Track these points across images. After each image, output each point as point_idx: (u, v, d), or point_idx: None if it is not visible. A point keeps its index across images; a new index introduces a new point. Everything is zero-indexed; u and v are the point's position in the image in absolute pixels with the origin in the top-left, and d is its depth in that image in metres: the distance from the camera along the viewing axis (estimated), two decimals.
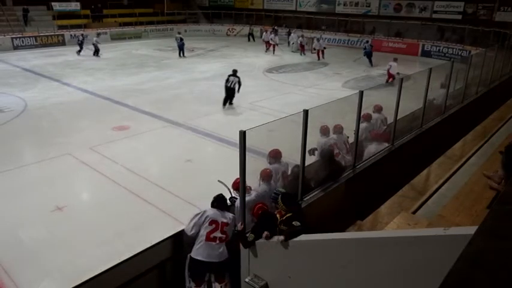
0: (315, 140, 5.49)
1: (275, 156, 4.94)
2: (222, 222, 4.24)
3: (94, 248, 5.36)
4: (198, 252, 4.21)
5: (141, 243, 4.29)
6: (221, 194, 4.44)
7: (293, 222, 3.61)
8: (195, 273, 4.27)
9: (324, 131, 5.76)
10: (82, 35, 22.32)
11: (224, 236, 4.25)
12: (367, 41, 22.22)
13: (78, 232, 5.76)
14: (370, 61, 19.59)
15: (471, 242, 0.74)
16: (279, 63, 20.00)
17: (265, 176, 4.67)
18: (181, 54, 21.18)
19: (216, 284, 4.32)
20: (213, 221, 4.22)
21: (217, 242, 4.22)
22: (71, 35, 24.86)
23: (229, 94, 12.14)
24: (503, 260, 0.68)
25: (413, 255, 2.55)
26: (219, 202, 4.35)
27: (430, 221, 3.65)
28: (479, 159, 5.16)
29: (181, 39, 21.20)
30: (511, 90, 10.33)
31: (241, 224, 3.94)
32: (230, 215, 4.38)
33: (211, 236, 4.20)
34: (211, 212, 4.28)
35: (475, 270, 0.68)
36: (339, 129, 5.76)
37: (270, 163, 4.93)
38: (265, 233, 3.71)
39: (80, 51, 21.02)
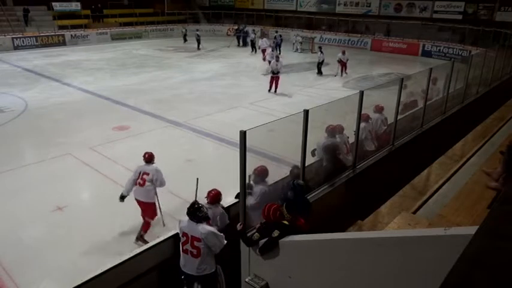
0: (315, 140, 5.47)
1: (261, 173, 4.65)
2: (192, 236, 3.98)
3: (94, 248, 5.36)
4: (180, 259, 4.15)
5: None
6: (195, 204, 4.12)
7: (274, 231, 3.55)
8: (183, 276, 4.22)
9: (331, 131, 5.68)
10: (198, 31, 24.93)
11: (195, 251, 3.99)
12: (280, 35, 23.90)
13: (78, 232, 5.77)
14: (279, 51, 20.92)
15: (471, 242, 0.74)
16: None
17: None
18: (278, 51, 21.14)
19: None
20: (184, 233, 4.06)
21: (189, 255, 4.04)
22: (71, 35, 24.91)
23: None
24: (504, 260, 0.68)
25: (414, 255, 2.55)
26: (189, 213, 4.04)
27: (430, 221, 3.65)
28: (479, 159, 5.16)
29: (281, 36, 23.62)
30: (511, 90, 10.32)
31: (241, 224, 3.94)
32: (205, 229, 3.98)
33: (184, 247, 4.07)
34: (184, 223, 4.08)
35: (476, 271, 0.68)
36: (339, 130, 5.74)
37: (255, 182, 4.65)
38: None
39: (199, 45, 24.09)
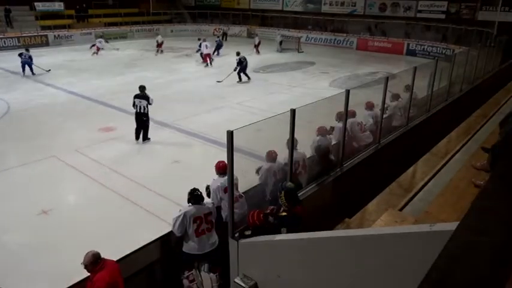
0: (302, 138, 5.47)
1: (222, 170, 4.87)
2: (204, 214, 4.41)
3: (81, 251, 5.24)
4: (191, 246, 4.38)
5: (129, 245, 4.25)
6: (196, 189, 4.53)
7: (281, 229, 3.65)
8: (189, 264, 4.47)
9: (322, 131, 5.71)
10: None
11: (209, 225, 4.45)
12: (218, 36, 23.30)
13: (64, 235, 5.67)
14: (218, 52, 21.30)
15: (452, 238, 0.76)
16: (266, 63, 20.03)
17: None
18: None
19: (211, 274, 4.46)
20: (196, 218, 4.35)
21: (206, 232, 4.42)
22: (54, 36, 24.49)
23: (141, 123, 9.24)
24: (482, 254, 0.69)
25: (401, 251, 2.58)
26: (195, 198, 4.45)
27: (416, 217, 3.70)
28: (463, 155, 5.25)
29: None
30: (493, 88, 10.54)
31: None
32: (209, 202, 4.60)
33: (200, 230, 4.37)
34: (191, 210, 4.36)
35: (456, 266, 0.69)
36: (322, 132, 5.74)
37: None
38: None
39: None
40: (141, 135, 9.26)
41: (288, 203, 3.85)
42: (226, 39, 27.64)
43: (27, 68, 15.97)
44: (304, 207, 4.03)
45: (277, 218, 3.79)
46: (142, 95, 9.16)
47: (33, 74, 16.11)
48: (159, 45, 22.53)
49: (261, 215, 3.75)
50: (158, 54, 22.14)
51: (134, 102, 9.10)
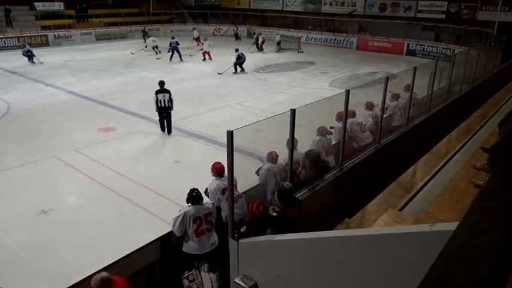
0: (301, 138, 5.47)
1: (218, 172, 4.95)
2: (204, 214, 4.42)
3: (81, 251, 5.28)
4: (191, 246, 4.39)
5: (129, 245, 4.25)
6: (195, 190, 4.55)
7: (267, 230, 3.61)
8: (189, 265, 4.48)
9: (322, 131, 5.72)
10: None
11: (209, 225, 4.47)
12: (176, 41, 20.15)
13: (64, 235, 5.68)
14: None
15: (452, 238, 0.76)
16: (266, 63, 20.04)
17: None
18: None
19: (211, 274, 4.47)
20: (196, 218, 4.36)
21: (206, 233, 4.44)
22: (54, 36, 24.49)
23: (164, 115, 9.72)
24: (483, 255, 0.69)
25: (401, 251, 2.58)
26: (194, 198, 4.46)
27: (416, 217, 3.70)
28: (463, 155, 5.26)
29: (177, 42, 19.93)
30: (493, 88, 10.54)
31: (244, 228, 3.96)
32: (209, 203, 4.61)
33: (199, 230, 4.38)
34: (191, 210, 4.37)
35: (456, 266, 0.70)
36: (322, 132, 5.74)
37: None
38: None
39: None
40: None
41: (281, 204, 3.75)
42: (240, 39, 27.98)
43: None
44: (297, 211, 3.89)
45: (266, 216, 3.73)
46: (164, 89, 9.51)
47: (33, 62, 18.54)
48: (197, 39, 23.82)
49: (261, 207, 3.73)
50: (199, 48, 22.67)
51: (157, 98, 9.39)
